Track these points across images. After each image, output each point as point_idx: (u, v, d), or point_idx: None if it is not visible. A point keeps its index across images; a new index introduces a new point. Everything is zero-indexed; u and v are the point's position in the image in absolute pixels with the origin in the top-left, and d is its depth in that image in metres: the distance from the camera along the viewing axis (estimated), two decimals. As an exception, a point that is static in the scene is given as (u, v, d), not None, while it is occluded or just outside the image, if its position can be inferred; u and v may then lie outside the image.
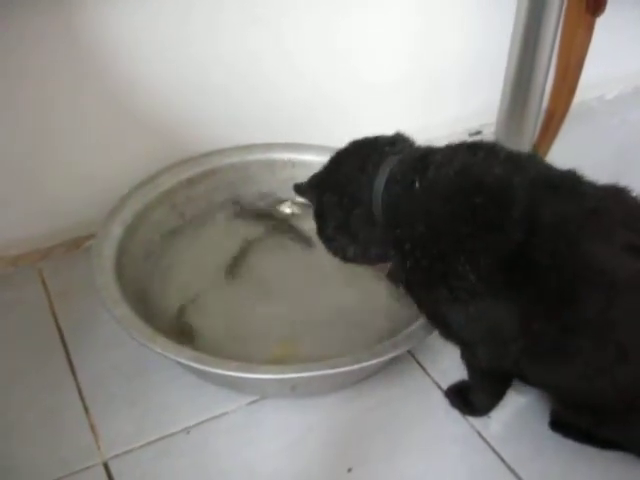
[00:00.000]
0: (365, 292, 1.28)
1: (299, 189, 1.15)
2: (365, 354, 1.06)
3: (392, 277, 1.14)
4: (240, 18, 1.36)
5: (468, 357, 1.06)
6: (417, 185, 0.95)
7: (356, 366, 1.04)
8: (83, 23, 1.24)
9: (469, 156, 0.96)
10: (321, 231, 1.11)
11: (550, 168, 0.97)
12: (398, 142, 1.05)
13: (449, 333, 1.02)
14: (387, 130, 1.60)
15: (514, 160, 0.95)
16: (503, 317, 0.93)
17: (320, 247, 1.14)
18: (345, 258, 1.10)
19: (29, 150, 1.31)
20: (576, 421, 1.06)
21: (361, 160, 1.03)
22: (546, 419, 1.11)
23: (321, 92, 1.52)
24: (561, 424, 1.10)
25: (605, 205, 0.92)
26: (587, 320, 0.90)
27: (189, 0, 1.29)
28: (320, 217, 1.10)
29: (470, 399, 1.12)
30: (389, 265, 1.11)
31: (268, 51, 1.41)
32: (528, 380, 1.08)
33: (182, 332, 1.19)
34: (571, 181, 0.95)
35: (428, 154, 0.98)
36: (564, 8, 1.43)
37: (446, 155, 0.97)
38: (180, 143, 1.40)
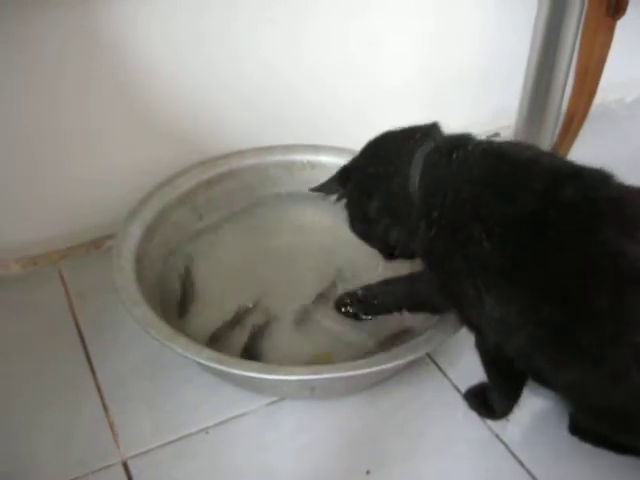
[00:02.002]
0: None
1: (324, 187, 1.16)
2: (384, 356, 1.06)
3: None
4: (254, 20, 1.36)
5: (480, 343, 1.05)
6: (454, 156, 0.98)
7: (375, 368, 1.04)
8: (97, 22, 1.24)
9: (506, 142, 1.02)
10: (359, 217, 1.11)
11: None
12: (433, 131, 1.08)
13: (460, 309, 1.02)
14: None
15: (547, 152, 0.99)
16: (513, 296, 0.91)
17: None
18: (387, 247, 1.10)
19: (49, 151, 1.31)
20: (592, 426, 1.05)
21: (398, 144, 1.06)
22: (565, 423, 1.11)
23: (336, 94, 1.52)
24: (579, 428, 1.09)
25: (630, 197, 0.91)
26: (597, 311, 0.87)
27: (202, 2, 1.30)
28: (357, 202, 1.10)
29: (489, 402, 1.12)
30: None
31: (282, 53, 1.42)
32: (544, 381, 1.06)
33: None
34: (599, 174, 0.94)
35: (466, 136, 1.02)
36: (584, 11, 1.43)
37: (483, 141, 1.01)
38: (198, 145, 1.41)
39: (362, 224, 1.11)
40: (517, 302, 0.91)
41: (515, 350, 0.97)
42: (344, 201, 1.13)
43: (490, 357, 1.06)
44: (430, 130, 1.07)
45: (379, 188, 1.06)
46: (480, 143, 1.00)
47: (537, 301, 0.90)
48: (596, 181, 0.92)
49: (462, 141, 1.01)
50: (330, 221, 1.39)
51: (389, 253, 1.12)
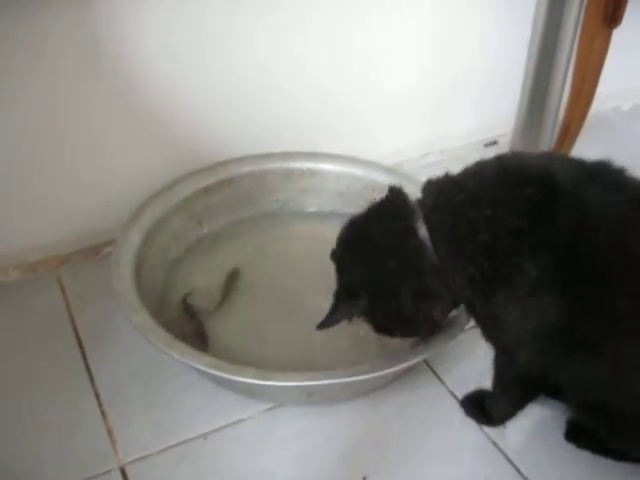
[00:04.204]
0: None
1: (333, 320, 1.06)
2: (381, 363, 1.07)
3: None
4: (251, 26, 1.36)
5: (504, 362, 1.04)
6: (459, 198, 0.94)
7: (372, 374, 1.05)
8: (96, 27, 1.24)
9: (498, 160, 0.97)
10: (391, 320, 1.06)
11: (582, 160, 0.96)
12: (399, 200, 1.02)
13: (498, 335, 1.00)
14: (401, 139, 1.62)
15: (546, 154, 0.97)
16: (552, 312, 0.91)
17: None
18: (433, 326, 1.07)
19: (47, 158, 1.32)
20: (595, 428, 1.04)
21: (386, 234, 1.00)
22: (562, 430, 1.11)
23: (334, 101, 1.53)
24: (576, 435, 1.10)
25: None
26: (629, 315, 0.88)
27: (201, 10, 1.30)
28: (383, 309, 1.04)
29: (487, 408, 1.12)
30: None
31: (279, 60, 1.42)
32: (557, 381, 1.04)
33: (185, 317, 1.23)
34: (609, 170, 0.93)
35: (452, 176, 0.98)
36: (581, 19, 1.44)
37: (474, 167, 0.97)
38: (197, 152, 1.41)
39: (395, 324, 1.06)
40: (556, 316, 0.91)
41: (544, 363, 0.97)
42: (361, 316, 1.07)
43: (511, 373, 1.05)
44: (396, 201, 1.02)
45: (403, 282, 1.00)
46: (476, 175, 0.96)
47: (575, 312, 0.90)
48: (611, 181, 0.92)
49: (453, 180, 0.97)
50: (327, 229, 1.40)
51: (431, 330, 1.09)
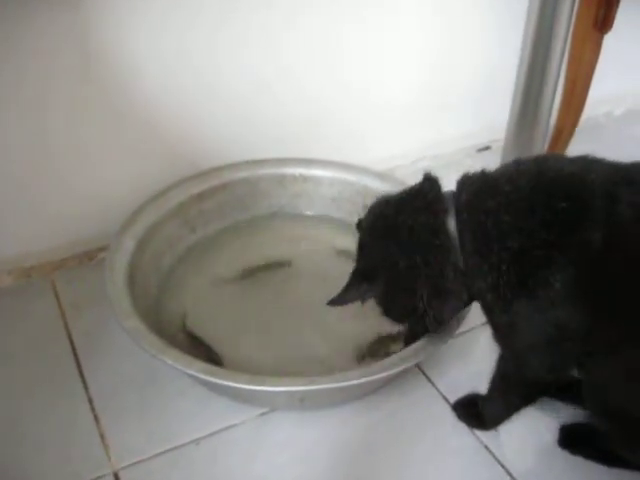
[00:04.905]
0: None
1: (345, 298, 1.06)
2: (373, 367, 1.07)
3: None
4: (242, 33, 1.37)
5: (510, 366, 1.04)
6: (494, 202, 0.93)
7: (364, 379, 1.05)
8: (87, 36, 1.25)
9: (536, 165, 0.96)
10: (401, 309, 1.06)
11: (615, 163, 0.95)
12: (433, 191, 1.01)
13: (511, 340, 0.99)
14: (394, 144, 1.62)
15: (584, 158, 0.95)
16: (573, 322, 0.91)
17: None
18: (441, 323, 1.06)
19: (41, 164, 1.32)
20: (608, 431, 1.03)
21: (415, 224, 0.99)
22: (554, 433, 1.12)
23: (327, 107, 1.53)
24: (570, 442, 1.10)
25: None
26: None
27: (192, 17, 1.31)
28: (395, 298, 1.04)
29: (480, 412, 1.12)
30: None
31: (270, 66, 1.42)
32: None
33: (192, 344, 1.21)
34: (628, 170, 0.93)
35: (489, 175, 0.98)
36: (572, 25, 1.45)
37: (511, 169, 0.97)
38: (190, 158, 1.42)
39: (405, 314, 1.07)
40: (579, 324, 0.91)
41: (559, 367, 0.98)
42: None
43: (518, 378, 1.04)
44: (431, 192, 1.00)
45: (421, 278, 0.99)
46: (510, 179, 0.95)
47: (601, 320, 0.90)
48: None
49: (483, 190, 0.96)
50: (320, 234, 1.41)
51: (438, 326, 1.07)
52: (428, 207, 0.98)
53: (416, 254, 0.98)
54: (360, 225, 1.08)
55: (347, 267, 1.07)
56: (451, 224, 0.96)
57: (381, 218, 1.04)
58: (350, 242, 1.12)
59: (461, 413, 1.15)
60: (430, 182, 1.02)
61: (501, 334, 1.01)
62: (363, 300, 1.06)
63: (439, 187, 1.01)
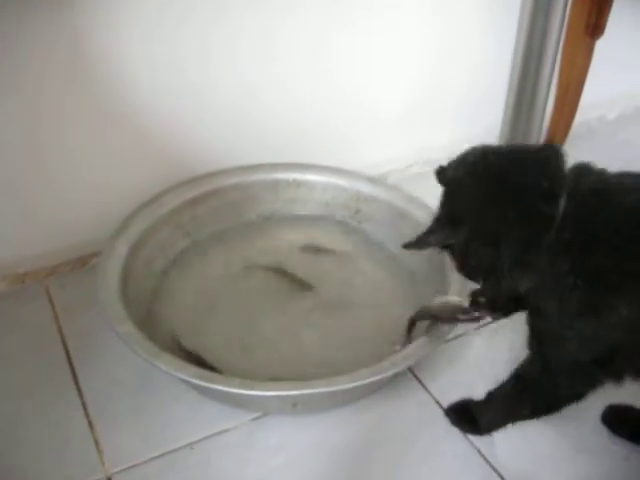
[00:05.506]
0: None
1: (421, 241, 1.00)
2: (364, 372, 1.07)
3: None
4: (232, 39, 1.37)
5: (542, 376, 1.00)
6: (607, 213, 0.89)
7: (355, 384, 1.05)
8: (79, 42, 1.25)
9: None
10: (479, 267, 0.98)
11: None
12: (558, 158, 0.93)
13: (558, 353, 0.96)
14: (386, 149, 1.63)
15: None
16: (627, 342, 0.90)
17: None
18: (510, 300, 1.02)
19: (34, 169, 1.32)
20: None
21: (524, 177, 0.91)
22: (547, 438, 1.12)
23: (319, 113, 1.53)
24: (613, 420, 1.11)
25: None
26: None
27: (182, 22, 1.31)
28: (476, 252, 0.96)
29: (473, 417, 1.12)
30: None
31: (261, 72, 1.42)
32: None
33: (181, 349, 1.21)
34: None
35: (612, 178, 0.92)
36: (564, 31, 1.46)
37: (632, 180, 0.92)
38: (183, 164, 1.42)
39: (479, 270, 0.99)
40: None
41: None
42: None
43: (551, 392, 1.02)
44: (554, 159, 0.92)
45: (509, 239, 0.91)
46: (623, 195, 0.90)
47: None
48: None
49: (605, 191, 0.90)
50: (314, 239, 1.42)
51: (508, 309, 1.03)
52: (547, 172, 0.90)
53: (515, 213, 0.90)
54: (443, 172, 1.00)
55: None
56: (562, 201, 0.88)
57: (485, 165, 0.95)
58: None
59: (454, 418, 1.15)
60: (555, 152, 0.93)
61: (543, 341, 0.98)
62: (441, 246, 0.99)
63: (564, 161, 0.92)
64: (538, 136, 1.57)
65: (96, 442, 1.11)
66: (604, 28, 1.47)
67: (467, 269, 1.00)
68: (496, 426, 1.11)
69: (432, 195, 1.39)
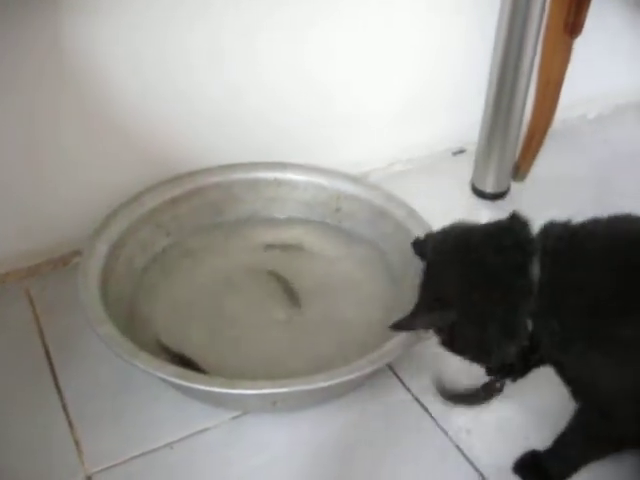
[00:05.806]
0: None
1: (417, 322, 1.04)
2: (342, 370, 1.07)
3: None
4: (214, 38, 1.37)
5: (598, 418, 0.99)
6: (580, 263, 0.93)
7: (332, 382, 1.05)
8: (68, 39, 1.25)
9: (626, 231, 0.95)
10: (467, 344, 1.02)
11: None
12: (517, 231, 0.99)
13: (597, 391, 0.96)
14: (367, 148, 1.63)
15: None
16: None
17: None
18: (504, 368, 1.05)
19: (15, 167, 1.32)
20: None
21: (499, 262, 0.96)
22: (524, 433, 1.13)
23: (299, 111, 1.53)
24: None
25: None
26: None
27: (165, 23, 1.31)
28: (466, 331, 1.00)
29: (542, 467, 1.07)
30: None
31: (242, 71, 1.43)
32: None
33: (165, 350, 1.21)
34: None
35: (578, 230, 0.96)
36: (542, 29, 1.46)
37: (603, 228, 0.96)
38: (165, 163, 1.42)
39: (469, 349, 1.03)
40: None
41: None
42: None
43: (610, 433, 1.00)
44: (519, 228, 0.98)
45: (498, 315, 0.96)
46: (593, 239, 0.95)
47: None
48: None
49: (574, 244, 0.95)
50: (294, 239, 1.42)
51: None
52: (516, 244, 0.96)
53: (495, 290, 0.95)
54: (420, 245, 1.07)
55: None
56: (535, 267, 0.94)
57: (460, 246, 1.01)
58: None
59: (524, 474, 1.08)
60: (520, 222, 0.99)
61: (579, 388, 0.98)
62: (428, 329, 1.04)
63: (530, 229, 0.98)
64: (517, 134, 1.57)
65: (76, 442, 1.11)
66: (582, 26, 1.48)
67: (457, 348, 1.04)
68: (569, 473, 1.06)
69: (413, 194, 1.41)
